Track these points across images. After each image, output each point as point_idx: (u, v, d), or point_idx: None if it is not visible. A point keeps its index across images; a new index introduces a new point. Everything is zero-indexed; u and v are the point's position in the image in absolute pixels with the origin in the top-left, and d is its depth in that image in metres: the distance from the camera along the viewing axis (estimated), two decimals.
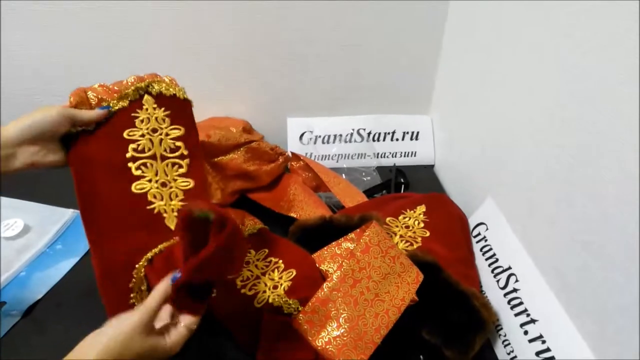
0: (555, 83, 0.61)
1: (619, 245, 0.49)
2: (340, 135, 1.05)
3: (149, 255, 0.56)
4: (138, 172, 0.58)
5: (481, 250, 0.74)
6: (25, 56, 0.93)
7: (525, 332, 0.61)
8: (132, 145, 0.59)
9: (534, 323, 0.60)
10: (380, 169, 1.02)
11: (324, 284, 0.56)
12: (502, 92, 0.77)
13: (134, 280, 0.56)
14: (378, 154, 1.05)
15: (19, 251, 0.78)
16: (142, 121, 0.60)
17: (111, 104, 0.59)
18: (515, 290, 0.65)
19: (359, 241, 0.65)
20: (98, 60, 0.93)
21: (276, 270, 0.64)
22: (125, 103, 0.60)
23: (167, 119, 0.61)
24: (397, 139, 1.07)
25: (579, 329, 0.55)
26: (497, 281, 0.68)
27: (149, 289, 0.56)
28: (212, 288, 0.50)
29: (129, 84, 0.61)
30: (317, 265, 0.67)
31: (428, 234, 0.74)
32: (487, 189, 0.81)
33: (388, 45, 0.99)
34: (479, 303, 0.63)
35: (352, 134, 1.05)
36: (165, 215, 0.59)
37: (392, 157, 1.06)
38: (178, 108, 0.63)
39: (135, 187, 0.58)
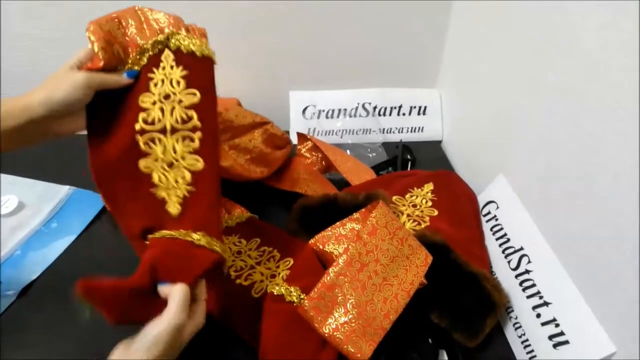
0: (573, 54, 0.57)
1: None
2: (345, 110, 1.01)
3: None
4: (145, 148, 0.53)
5: (491, 229, 0.71)
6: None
7: (538, 315, 0.59)
8: (142, 115, 0.53)
9: (547, 306, 0.58)
10: (386, 145, 0.99)
11: (330, 269, 0.54)
12: (513, 65, 0.73)
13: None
14: (384, 129, 1.01)
15: (13, 229, 0.76)
16: (155, 84, 0.53)
17: (131, 63, 0.54)
18: (527, 271, 0.62)
19: (365, 222, 0.62)
20: None
21: (272, 259, 0.62)
22: (144, 60, 0.54)
23: (182, 82, 0.54)
24: (403, 114, 1.03)
25: (594, 312, 0.52)
26: (509, 262, 0.66)
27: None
28: None
29: (151, 34, 0.55)
30: (321, 247, 0.64)
31: (436, 212, 0.72)
32: (497, 166, 0.78)
33: (394, 17, 0.95)
34: (490, 285, 0.61)
35: (357, 108, 1.02)
36: (167, 200, 0.54)
37: (399, 132, 1.03)
38: (197, 67, 0.55)
39: (142, 165, 0.53)
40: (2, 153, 0.50)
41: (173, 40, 0.54)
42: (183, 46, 0.54)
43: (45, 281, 0.69)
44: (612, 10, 0.50)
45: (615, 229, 0.49)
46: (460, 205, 0.74)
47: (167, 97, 0.53)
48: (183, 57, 0.54)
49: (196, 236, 0.50)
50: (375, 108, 1.02)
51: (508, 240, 0.67)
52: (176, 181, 0.53)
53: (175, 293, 0.45)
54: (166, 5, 0.87)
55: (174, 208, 0.53)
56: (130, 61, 0.54)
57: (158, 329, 0.43)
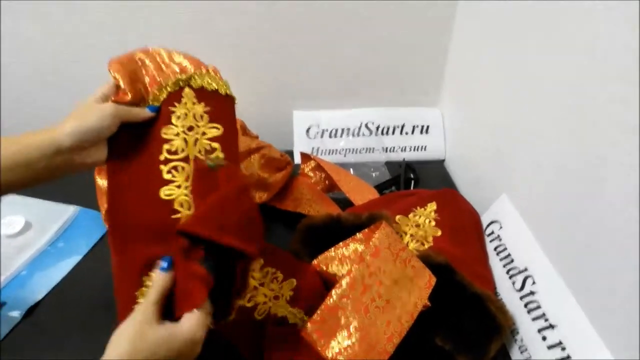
0: (575, 74, 0.57)
1: None
2: (348, 129, 1.02)
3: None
4: (168, 176, 0.53)
5: (495, 249, 0.71)
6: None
7: (544, 338, 0.58)
8: (166, 146, 0.54)
9: (553, 329, 0.57)
10: (389, 164, 0.99)
11: (333, 291, 0.54)
12: (516, 84, 0.74)
13: (142, 288, 0.51)
14: (387, 148, 1.02)
15: (19, 249, 0.76)
16: (178, 117, 0.55)
17: (151, 99, 0.56)
18: (532, 293, 0.62)
19: (367, 243, 0.62)
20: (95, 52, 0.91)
21: (275, 280, 0.61)
22: (163, 95, 0.56)
23: (205, 116, 0.56)
24: (406, 133, 1.03)
25: (601, 336, 0.52)
26: (513, 283, 0.65)
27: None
28: (231, 261, 0.50)
29: (171, 73, 0.57)
30: (325, 268, 0.64)
31: (440, 232, 0.72)
32: (500, 185, 0.78)
33: (396, 37, 0.96)
34: (495, 307, 0.60)
35: (360, 128, 1.02)
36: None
37: (402, 151, 1.03)
38: (219, 105, 0.57)
39: (163, 193, 0.53)
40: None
41: (196, 79, 0.57)
42: (206, 84, 0.57)
43: (51, 301, 0.69)
44: (625, 27, 0.50)
45: (621, 250, 0.49)
46: (463, 224, 0.74)
47: (190, 129, 0.55)
48: (205, 95, 0.57)
49: None
50: (378, 127, 1.03)
51: (512, 260, 0.67)
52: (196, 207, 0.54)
53: (151, 291, 0.46)
54: (168, 29, 0.90)
55: None
56: (151, 97, 0.56)
57: (179, 337, 0.44)
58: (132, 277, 0.51)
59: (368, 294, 0.54)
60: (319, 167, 0.88)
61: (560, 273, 0.59)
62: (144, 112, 0.54)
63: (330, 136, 1.02)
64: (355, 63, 0.99)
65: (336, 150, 1.01)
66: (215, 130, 0.55)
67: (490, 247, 0.73)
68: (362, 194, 0.82)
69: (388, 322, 0.53)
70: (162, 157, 0.53)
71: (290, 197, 0.84)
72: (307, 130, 1.02)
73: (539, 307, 0.60)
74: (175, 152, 0.54)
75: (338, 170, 0.86)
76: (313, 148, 1.01)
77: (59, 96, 0.96)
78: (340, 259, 0.64)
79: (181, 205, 0.52)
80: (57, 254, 0.77)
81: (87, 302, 0.69)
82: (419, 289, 0.57)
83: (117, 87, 0.54)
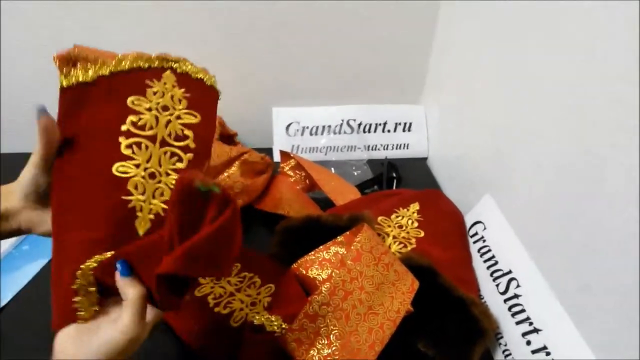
0: (569, 67, 0.56)
1: (631, 248, 0.45)
2: (329, 127, 1.00)
3: (99, 257, 0.43)
4: (127, 152, 0.46)
5: (479, 251, 0.70)
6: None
7: (528, 342, 0.57)
8: (132, 117, 0.47)
9: (537, 333, 0.56)
10: (371, 162, 0.97)
11: (312, 297, 0.51)
12: (500, 81, 0.72)
13: (77, 281, 0.43)
14: (369, 146, 1.00)
15: None
16: (154, 93, 0.48)
17: (117, 62, 0.47)
18: (516, 296, 0.61)
19: (349, 247, 0.60)
20: None
21: (252, 286, 0.59)
22: (142, 63, 0.49)
23: (184, 101, 0.50)
24: (388, 131, 1.01)
25: (586, 340, 0.51)
26: (497, 285, 0.64)
27: (103, 292, 0.45)
28: (192, 281, 0.44)
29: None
30: (304, 272, 0.62)
31: (422, 234, 0.70)
32: (484, 184, 0.77)
33: (379, 33, 0.94)
34: (478, 310, 0.59)
35: (341, 125, 1.00)
36: (139, 214, 0.47)
37: (384, 149, 1.01)
38: (201, 94, 0.52)
39: (116, 169, 0.45)
40: None
41: (182, 64, 0.51)
42: (191, 71, 0.51)
43: (16, 306, 0.65)
44: (615, 16, 0.48)
45: (609, 254, 0.48)
46: (447, 225, 0.73)
47: (165, 108, 0.49)
48: (188, 82, 0.51)
49: None
50: (360, 125, 1.00)
51: (496, 262, 0.66)
52: (153, 195, 0.47)
53: (131, 300, 0.41)
54: (148, 24, 0.86)
55: (142, 225, 0.47)
56: (113, 63, 0.47)
57: (113, 336, 0.40)
58: (67, 263, 0.44)
59: (349, 300, 0.52)
60: (299, 165, 0.86)
61: (545, 276, 0.58)
62: (45, 122, 0.43)
63: (310, 134, 0.99)
64: (336, 59, 0.96)
65: (317, 148, 0.99)
66: (192, 117, 0.50)
67: (474, 248, 0.71)
68: (343, 194, 0.80)
69: (370, 329, 0.51)
70: (124, 128, 0.46)
71: (269, 197, 0.81)
72: (287, 128, 0.99)
73: (523, 310, 0.59)
74: (142, 128, 0.47)
75: (319, 169, 0.83)
76: (293, 146, 0.98)
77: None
78: (321, 263, 0.62)
79: (135, 187, 0.46)
80: (22, 257, 0.73)
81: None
82: (402, 294, 0.55)
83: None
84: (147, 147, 0.47)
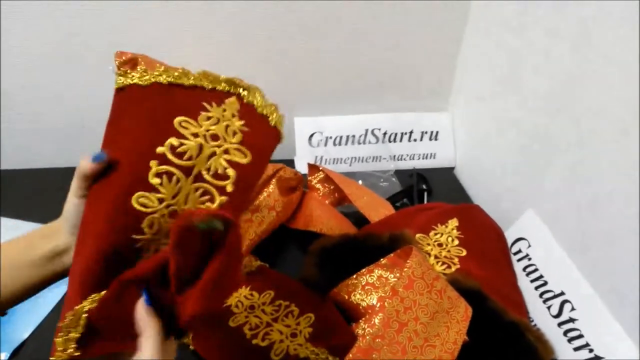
0: (604, 69, 0.54)
1: None
2: (354, 136, 0.97)
3: (96, 297, 0.37)
4: (155, 181, 0.39)
5: (524, 270, 0.67)
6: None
7: None
8: (172, 140, 0.40)
9: None
10: (398, 173, 0.94)
11: (365, 330, 0.48)
12: (534, 87, 0.70)
13: (65, 321, 0.37)
14: (395, 156, 0.97)
15: None
16: (208, 119, 0.42)
17: (180, 75, 0.43)
18: (572, 320, 0.57)
19: (393, 269, 0.57)
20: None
21: (290, 315, 0.55)
22: (207, 83, 0.43)
23: (239, 135, 0.43)
24: (414, 140, 0.98)
25: None
26: (548, 308, 0.61)
27: (88, 335, 0.38)
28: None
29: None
30: (347, 297, 0.59)
31: (464, 252, 0.67)
32: (523, 197, 0.74)
33: (404, 39, 0.90)
34: (533, 336, 0.56)
35: (366, 135, 0.97)
36: (144, 254, 0.41)
37: (410, 159, 0.98)
38: (262, 132, 0.44)
39: (137, 199, 0.39)
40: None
41: (250, 93, 0.45)
42: (258, 103, 0.45)
43: (38, 339, 0.62)
44: None
45: None
46: (489, 243, 0.70)
47: (214, 137, 0.42)
48: (251, 114, 0.44)
49: None
50: (385, 134, 0.97)
51: (545, 283, 0.63)
52: (167, 235, 0.40)
53: (149, 328, 0.36)
54: (168, 35, 0.82)
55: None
56: (175, 74, 0.42)
57: None
58: (68, 298, 0.39)
59: (404, 332, 0.48)
60: (327, 178, 0.82)
61: (602, 298, 0.55)
62: (85, 165, 0.39)
63: (334, 144, 0.96)
64: (359, 66, 0.93)
65: (341, 159, 0.96)
66: (242, 156, 0.42)
67: (518, 267, 0.68)
68: (376, 210, 0.76)
69: None
70: (160, 150, 0.40)
71: (299, 214, 0.78)
72: (310, 138, 0.96)
73: (581, 335, 0.56)
74: (181, 156, 0.40)
75: (349, 183, 0.80)
76: (316, 157, 0.95)
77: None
78: (364, 287, 0.58)
79: (150, 225, 0.40)
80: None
81: None
82: (457, 322, 0.52)
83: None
84: (178, 180, 0.40)
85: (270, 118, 0.45)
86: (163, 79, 0.41)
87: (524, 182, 0.74)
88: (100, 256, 0.39)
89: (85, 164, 0.39)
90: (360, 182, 0.89)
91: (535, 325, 0.62)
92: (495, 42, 0.81)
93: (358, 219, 0.77)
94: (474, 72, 0.91)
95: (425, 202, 0.87)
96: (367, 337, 0.48)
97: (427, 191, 0.88)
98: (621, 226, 0.53)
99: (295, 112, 0.97)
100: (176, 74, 0.42)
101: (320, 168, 0.82)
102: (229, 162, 0.42)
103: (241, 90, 0.44)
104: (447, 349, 0.49)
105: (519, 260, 0.68)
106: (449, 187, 0.95)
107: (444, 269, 0.64)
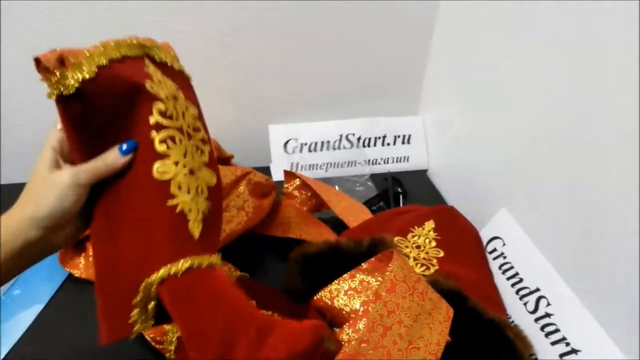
0: (578, 67, 0.56)
1: None
2: (328, 142, 0.97)
3: (164, 272, 0.40)
4: (162, 148, 0.41)
5: (500, 268, 0.68)
6: None
7: None
8: (158, 105, 0.41)
9: (576, 353, 0.55)
10: (373, 177, 0.95)
11: (350, 336, 0.48)
12: (502, 90, 0.73)
13: (139, 296, 0.41)
14: (369, 160, 0.98)
15: None
16: (159, 82, 0.42)
17: (107, 50, 0.39)
18: (548, 315, 0.59)
19: (374, 274, 0.57)
20: None
21: None
22: (127, 51, 0.41)
23: (180, 93, 0.44)
24: (388, 144, 1.00)
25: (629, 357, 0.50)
26: (525, 304, 0.63)
27: (160, 313, 0.41)
28: None
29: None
30: (329, 302, 0.59)
31: (442, 253, 0.68)
32: (496, 197, 0.76)
33: (374, 44, 0.92)
34: (512, 333, 0.57)
35: (340, 140, 0.98)
36: (189, 216, 0.43)
37: (384, 163, 0.99)
38: (186, 86, 0.47)
39: (157, 170, 0.41)
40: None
41: (158, 51, 0.45)
42: (169, 59, 0.46)
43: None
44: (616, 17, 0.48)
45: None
46: (465, 243, 0.71)
47: (175, 98, 0.43)
48: (168, 72, 0.46)
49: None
50: (359, 139, 0.98)
51: (521, 280, 0.64)
52: (197, 192, 0.43)
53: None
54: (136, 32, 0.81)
55: (196, 227, 0.43)
56: (86, 61, 0.38)
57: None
58: (121, 277, 0.41)
59: (389, 336, 0.49)
60: (304, 185, 0.83)
61: (576, 292, 0.57)
62: (116, 161, 0.41)
63: (309, 150, 0.96)
64: (332, 73, 0.94)
65: (317, 164, 0.96)
66: (193, 109, 0.45)
67: (494, 265, 0.70)
68: (355, 215, 0.77)
69: None
70: (152, 120, 0.41)
71: (277, 221, 0.77)
72: (285, 145, 0.96)
73: (557, 330, 0.57)
74: (170, 117, 0.41)
75: (327, 189, 0.81)
76: (292, 163, 0.95)
77: None
78: (347, 292, 0.59)
79: (179, 187, 0.42)
80: (13, 305, 0.67)
81: None
82: (439, 323, 0.52)
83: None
84: (180, 140, 0.43)
85: (175, 67, 0.48)
86: (101, 59, 0.39)
87: (496, 182, 0.76)
88: (152, 230, 0.41)
89: (114, 159, 0.40)
90: (336, 187, 0.90)
91: (513, 322, 0.63)
92: (464, 45, 0.83)
93: (336, 224, 0.78)
94: (443, 75, 0.93)
95: (401, 205, 0.88)
96: (353, 343, 0.48)
97: (403, 194, 0.89)
98: (590, 220, 0.55)
99: (269, 119, 0.97)
100: (102, 50, 0.40)
101: (297, 175, 0.82)
102: (192, 115, 0.46)
103: (149, 51, 0.44)
104: (431, 350, 0.50)
105: (494, 258, 0.70)
106: (423, 189, 0.96)
107: (423, 271, 0.65)
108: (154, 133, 0.41)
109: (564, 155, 0.59)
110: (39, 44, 0.75)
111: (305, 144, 0.96)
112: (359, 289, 0.58)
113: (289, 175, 0.84)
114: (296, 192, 0.84)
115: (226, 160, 0.89)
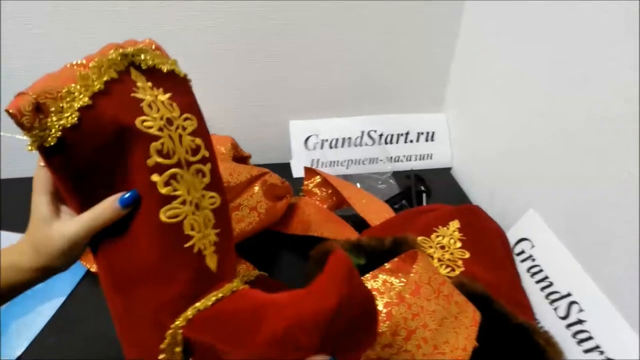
0: (605, 66, 0.54)
1: None
2: (350, 139, 0.95)
3: (190, 313, 0.39)
4: (167, 190, 0.39)
5: (528, 271, 0.66)
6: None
7: None
8: (154, 145, 0.38)
9: None
10: (395, 175, 0.93)
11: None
12: (531, 86, 0.70)
13: (166, 341, 0.40)
14: (392, 157, 0.96)
15: None
16: (150, 106, 0.39)
17: (82, 89, 0.36)
18: (580, 321, 0.57)
19: (397, 274, 0.56)
20: None
21: None
22: (113, 74, 0.38)
23: (175, 105, 0.41)
24: (411, 141, 0.97)
25: None
26: (555, 310, 0.60)
27: (187, 352, 0.41)
28: None
29: (103, 56, 0.39)
30: None
31: (467, 255, 0.66)
32: (523, 197, 0.73)
33: (398, 40, 0.90)
34: (542, 339, 0.55)
35: (362, 137, 0.96)
36: (205, 253, 0.42)
37: (407, 160, 0.97)
38: (179, 89, 0.43)
39: (165, 215, 0.39)
40: None
41: (144, 55, 0.41)
42: (157, 62, 0.42)
43: (34, 355, 0.59)
44: None
45: None
46: (491, 244, 0.68)
47: (170, 122, 0.40)
48: (159, 78, 0.42)
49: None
50: (381, 136, 0.96)
51: (551, 284, 0.62)
52: (205, 225, 0.42)
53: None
54: (149, 28, 0.80)
55: (212, 261, 0.42)
56: (67, 95, 0.36)
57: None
58: (144, 326, 0.41)
59: (413, 340, 0.47)
60: (324, 182, 0.81)
61: (611, 298, 0.54)
62: (117, 211, 0.38)
63: (330, 146, 0.95)
64: (354, 68, 0.92)
65: (338, 161, 0.94)
66: (191, 122, 0.42)
67: (521, 268, 0.67)
68: (377, 213, 0.75)
69: None
70: (150, 162, 0.39)
71: (296, 219, 0.76)
72: (306, 141, 0.95)
73: (590, 338, 0.55)
74: (167, 155, 0.39)
75: (347, 186, 0.79)
76: (313, 160, 0.94)
77: None
78: None
79: (192, 228, 0.41)
80: (35, 297, 0.67)
81: (77, 354, 0.60)
82: (465, 328, 0.50)
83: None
84: (181, 176, 0.40)
85: (176, 71, 0.44)
86: (81, 100, 0.36)
87: (524, 181, 0.74)
88: (171, 272, 0.40)
89: (110, 209, 0.38)
90: (358, 184, 0.88)
91: (542, 327, 0.61)
92: (490, 41, 0.81)
93: (356, 222, 0.76)
94: (468, 72, 0.90)
95: (424, 203, 0.86)
96: (377, 348, 0.46)
97: (426, 192, 0.87)
98: (625, 222, 0.52)
99: (290, 115, 0.95)
100: (80, 84, 0.37)
101: (318, 172, 0.81)
102: (191, 134, 0.42)
103: (134, 58, 0.41)
104: (457, 355, 0.48)
105: (522, 261, 0.67)
106: (447, 188, 0.94)
107: (448, 272, 0.63)
108: (155, 176, 0.39)
109: (596, 154, 0.56)
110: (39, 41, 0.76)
111: (326, 140, 0.95)
112: (381, 290, 0.57)
113: (310, 171, 0.83)
114: (316, 190, 0.82)
115: (243, 159, 0.88)
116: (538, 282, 0.63)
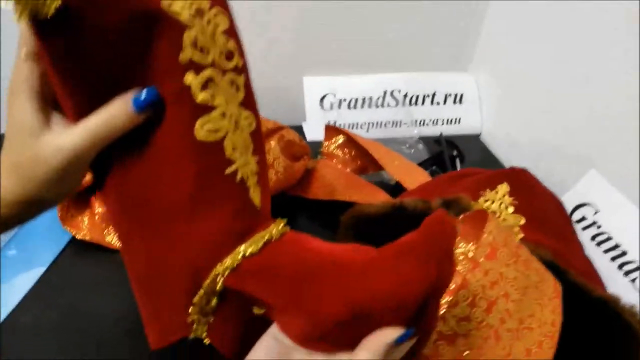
0: None
1: None
2: (370, 99, 0.85)
3: (235, 259, 0.30)
4: (203, 96, 0.29)
5: (593, 239, 0.57)
6: None
7: None
8: (188, 34, 0.28)
9: None
10: (423, 139, 0.83)
11: (445, 312, 0.37)
12: (573, 40, 0.63)
13: (202, 291, 0.31)
14: (417, 120, 0.86)
15: None
16: None
17: None
18: None
19: (465, 237, 0.46)
20: None
21: None
22: None
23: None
24: (437, 103, 0.88)
25: None
26: (632, 281, 0.52)
27: (224, 302, 0.32)
28: None
29: None
30: None
31: (523, 220, 0.57)
32: (577, 159, 0.65)
33: None
34: (628, 313, 0.46)
35: (384, 97, 0.86)
36: (248, 183, 0.32)
37: (434, 124, 0.88)
38: None
39: (204, 129, 0.29)
40: None
41: None
42: None
43: (9, 331, 0.49)
44: None
45: None
46: (548, 210, 0.60)
47: (200, 13, 0.29)
48: None
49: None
50: (405, 96, 0.86)
51: (624, 253, 0.53)
52: (245, 149, 0.32)
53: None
54: None
55: (256, 195, 0.33)
56: None
57: None
58: (172, 275, 0.31)
59: (495, 312, 0.38)
60: (348, 143, 0.71)
61: None
62: (130, 119, 0.28)
63: (349, 107, 0.85)
64: (376, 20, 0.82)
65: (357, 124, 0.85)
66: (222, 19, 0.31)
67: (585, 236, 0.59)
68: (411, 175, 0.66)
69: (528, 350, 0.37)
70: (183, 58, 0.28)
71: (317, 184, 0.66)
72: (321, 100, 0.84)
73: None
74: (202, 49, 0.29)
75: (377, 147, 0.69)
76: (329, 121, 0.84)
77: None
78: None
79: (233, 148, 0.31)
80: (9, 266, 0.56)
81: (56, 329, 0.49)
82: (549, 299, 0.41)
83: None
84: (218, 83, 0.30)
85: None
86: None
87: (577, 142, 0.65)
88: (211, 204, 0.31)
89: (122, 113, 0.28)
90: None
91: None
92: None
93: (385, 189, 0.67)
94: (503, 27, 0.81)
95: (458, 169, 0.77)
96: (450, 320, 0.37)
97: (460, 157, 0.78)
98: None
99: (305, 70, 0.85)
100: None
101: (342, 130, 0.71)
102: (225, 32, 0.31)
103: None
104: (547, 332, 0.39)
105: (584, 228, 0.59)
106: (478, 153, 0.85)
107: None
108: (190, 76, 0.28)
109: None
110: None
111: (345, 100, 0.85)
112: None
113: (332, 130, 0.72)
114: (338, 151, 0.72)
115: None
116: (607, 251, 0.55)
